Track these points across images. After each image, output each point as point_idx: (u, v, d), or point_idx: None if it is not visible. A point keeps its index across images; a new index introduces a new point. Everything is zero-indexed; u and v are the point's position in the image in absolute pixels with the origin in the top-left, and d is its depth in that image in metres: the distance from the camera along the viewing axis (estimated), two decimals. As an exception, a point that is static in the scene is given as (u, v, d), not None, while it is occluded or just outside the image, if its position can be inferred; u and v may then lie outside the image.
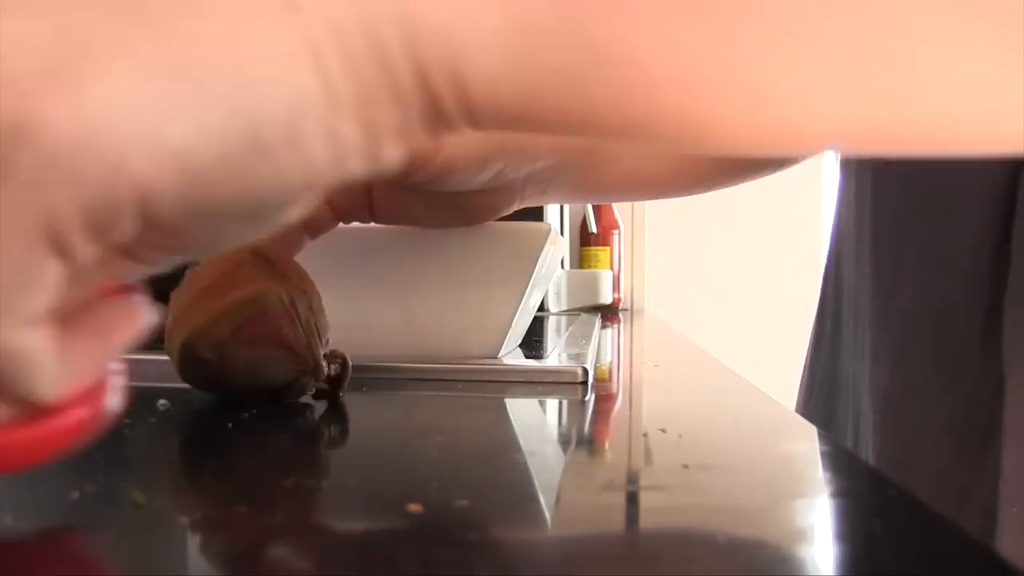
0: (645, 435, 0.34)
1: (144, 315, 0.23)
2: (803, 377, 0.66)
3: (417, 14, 0.21)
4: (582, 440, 0.35)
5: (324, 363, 0.37)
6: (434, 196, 0.46)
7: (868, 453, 0.53)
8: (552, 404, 0.42)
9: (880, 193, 0.55)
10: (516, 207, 0.50)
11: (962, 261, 0.46)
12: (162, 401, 0.36)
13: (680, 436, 0.33)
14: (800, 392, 0.65)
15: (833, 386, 0.61)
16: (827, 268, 0.64)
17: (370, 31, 0.21)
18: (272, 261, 0.37)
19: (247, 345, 0.35)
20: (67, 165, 0.19)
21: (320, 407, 0.37)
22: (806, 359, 0.66)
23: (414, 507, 0.22)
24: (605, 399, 0.44)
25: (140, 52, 0.19)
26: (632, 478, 0.28)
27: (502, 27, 0.22)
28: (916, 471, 0.47)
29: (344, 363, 0.38)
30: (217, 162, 0.20)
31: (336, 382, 0.38)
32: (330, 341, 0.38)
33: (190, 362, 0.36)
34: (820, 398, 0.62)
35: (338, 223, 0.48)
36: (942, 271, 0.48)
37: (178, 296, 0.37)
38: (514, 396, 0.44)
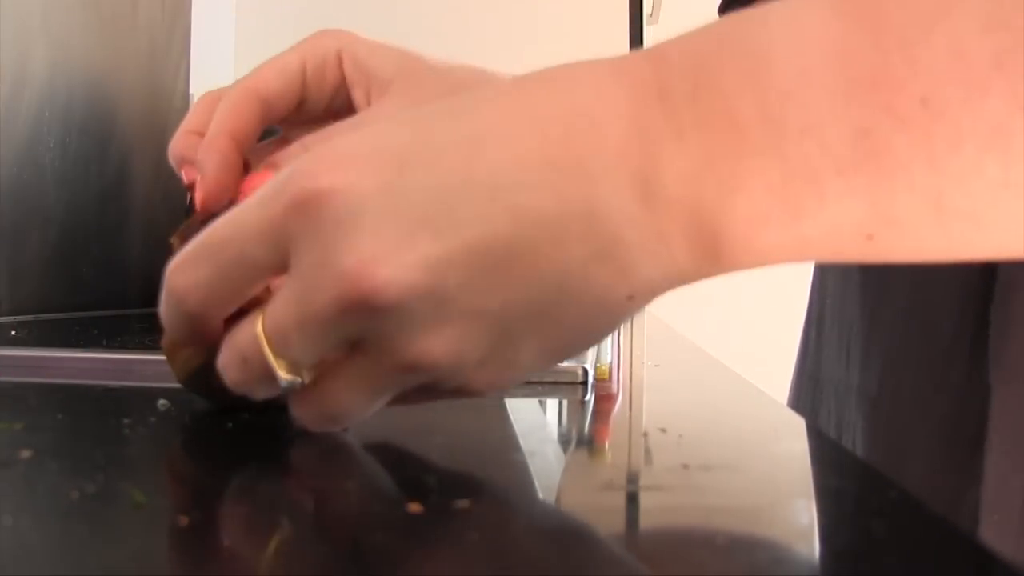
0: (645, 435, 0.34)
1: None
2: (791, 383, 0.66)
3: (730, 228, 0.26)
4: (582, 440, 0.35)
5: None
6: None
7: None
8: (552, 404, 0.42)
9: None
10: None
11: (949, 268, 0.46)
12: (162, 401, 0.36)
13: (680, 436, 0.33)
14: (788, 398, 0.65)
15: (816, 392, 0.61)
16: (813, 275, 0.64)
17: (697, 215, 0.26)
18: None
19: None
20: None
21: (320, 407, 0.37)
22: (795, 365, 0.66)
23: (414, 507, 0.22)
24: (605, 399, 0.44)
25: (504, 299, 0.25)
26: (632, 478, 0.28)
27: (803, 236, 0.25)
28: (906, 477, 0.47)
29: None
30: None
31: None
32: None
33: (186, 388, 0.36)
34: (805, 403, 0.62)
35: None
36: (930, 277, 0.48)
37: None
38: (514, 396, 0.44)
